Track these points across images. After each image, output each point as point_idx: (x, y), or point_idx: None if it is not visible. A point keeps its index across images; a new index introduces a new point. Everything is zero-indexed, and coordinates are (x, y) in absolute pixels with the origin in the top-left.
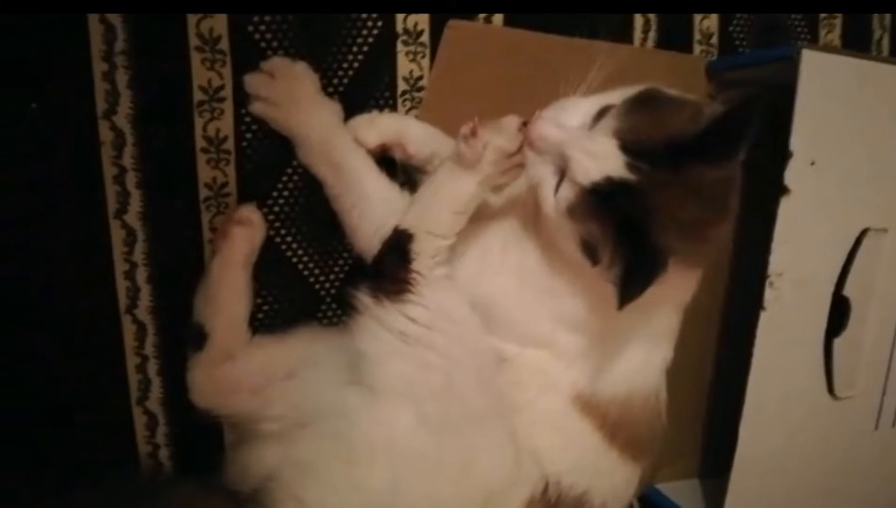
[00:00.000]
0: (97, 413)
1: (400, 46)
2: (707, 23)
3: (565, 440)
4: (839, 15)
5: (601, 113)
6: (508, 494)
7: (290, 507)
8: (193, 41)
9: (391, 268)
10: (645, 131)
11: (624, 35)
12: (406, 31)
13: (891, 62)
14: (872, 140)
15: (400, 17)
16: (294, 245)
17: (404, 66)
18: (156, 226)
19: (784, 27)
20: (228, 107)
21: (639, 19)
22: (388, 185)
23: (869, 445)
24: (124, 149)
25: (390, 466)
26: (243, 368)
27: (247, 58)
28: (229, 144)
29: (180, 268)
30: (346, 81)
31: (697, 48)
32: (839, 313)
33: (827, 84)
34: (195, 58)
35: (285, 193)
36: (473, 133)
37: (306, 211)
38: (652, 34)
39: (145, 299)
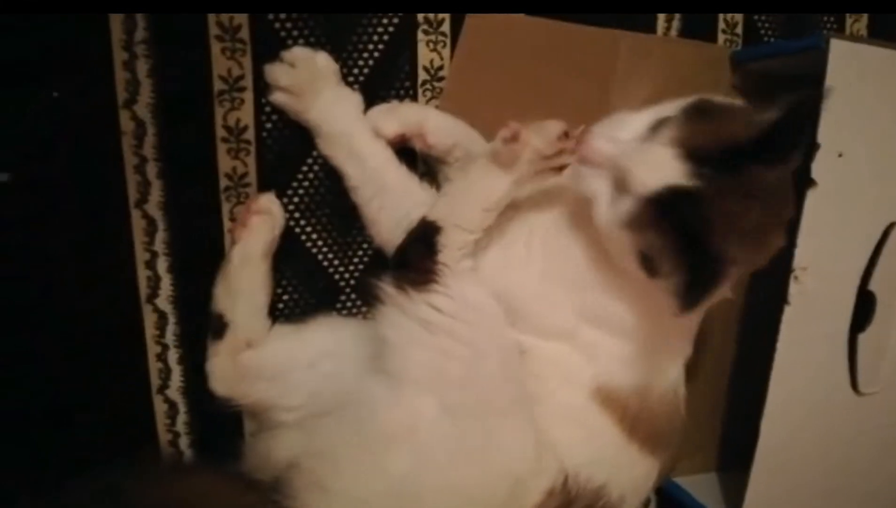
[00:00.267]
0: (117, 402)
1: (420, 36)
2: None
3: (585, 433)
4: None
5: (656, 126)
6: (530, 485)
7: (312, 495)
8: (213, 30)
9: (417, 258)
10: (702, 139)
11: (648, 25)
12: (427, 20)
13: None
14: None
15: None
16: (314, 236)
17: (425, 55)
18: (176, 216)
19: (809, 17)
20: (248, 97)
21: None
22: (409, 177)
23: (892, 441)
24: (145, 139)
25: (413, 454)
26: (264, 356)
27: (267, 47)
28: (249, 134)
29: (200, 258)
30: (366, 70)
31: (722, 38)
32: (864, 308)
33: (855, 74)
34: (215, 47)
35: (305, 183)
36: (515, 138)
37: (326, 202)
38: (676, 23)
39: (166, 288)
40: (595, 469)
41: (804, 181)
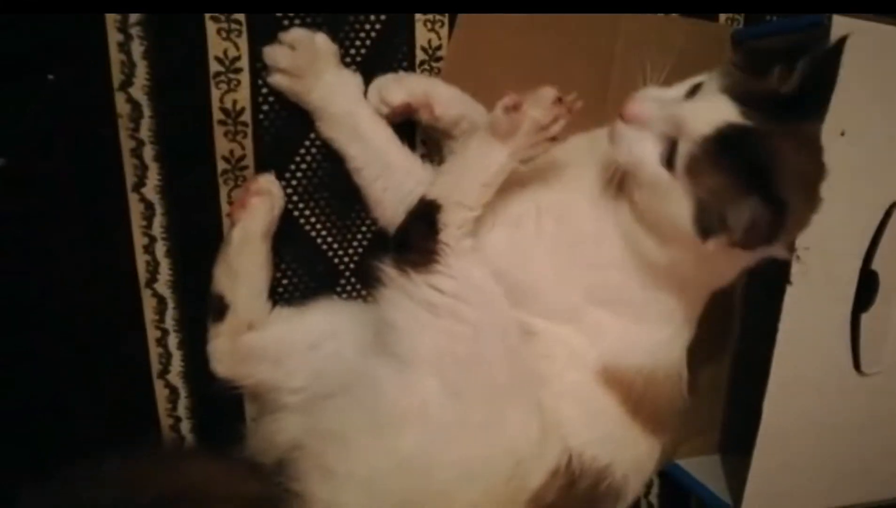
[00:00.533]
0: (118, 387)
1: (418, 16)
2: None
3: (590, 413)
4: None
5: (692, 90)
6: (534, 464)
7: (317, 476)
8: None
9: (418, 238)
10: (748, 88)
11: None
12: None
13: None
14: None
15: None
16: (312, 219)
17: (423, 35)
18: (174, 200)
19: None
20: (245, 78)
21: None
22: (411, 156)
23: (895, 421)
24: (141, 121)
25: (419, 434)
26: (265, 338)
27: (263, 27)
28: (246, 117)
29: (199, 242)
30: (363, 51)
31: (723, 16)
32: (867, 288)
33: (858, 52)
34: (210, 28)
35: (303, 166)
36: (516, 107)
37: (324, 184)
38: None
39: (165, 272)
40: (599, 449)
41: None
